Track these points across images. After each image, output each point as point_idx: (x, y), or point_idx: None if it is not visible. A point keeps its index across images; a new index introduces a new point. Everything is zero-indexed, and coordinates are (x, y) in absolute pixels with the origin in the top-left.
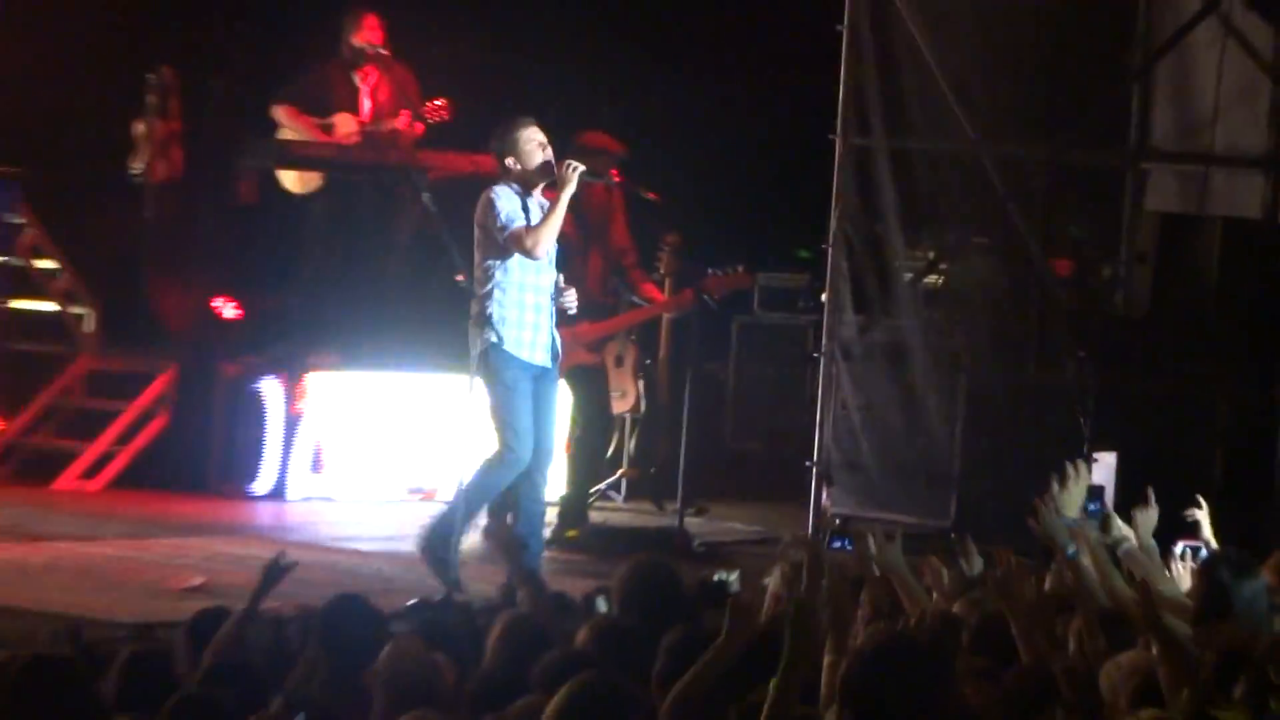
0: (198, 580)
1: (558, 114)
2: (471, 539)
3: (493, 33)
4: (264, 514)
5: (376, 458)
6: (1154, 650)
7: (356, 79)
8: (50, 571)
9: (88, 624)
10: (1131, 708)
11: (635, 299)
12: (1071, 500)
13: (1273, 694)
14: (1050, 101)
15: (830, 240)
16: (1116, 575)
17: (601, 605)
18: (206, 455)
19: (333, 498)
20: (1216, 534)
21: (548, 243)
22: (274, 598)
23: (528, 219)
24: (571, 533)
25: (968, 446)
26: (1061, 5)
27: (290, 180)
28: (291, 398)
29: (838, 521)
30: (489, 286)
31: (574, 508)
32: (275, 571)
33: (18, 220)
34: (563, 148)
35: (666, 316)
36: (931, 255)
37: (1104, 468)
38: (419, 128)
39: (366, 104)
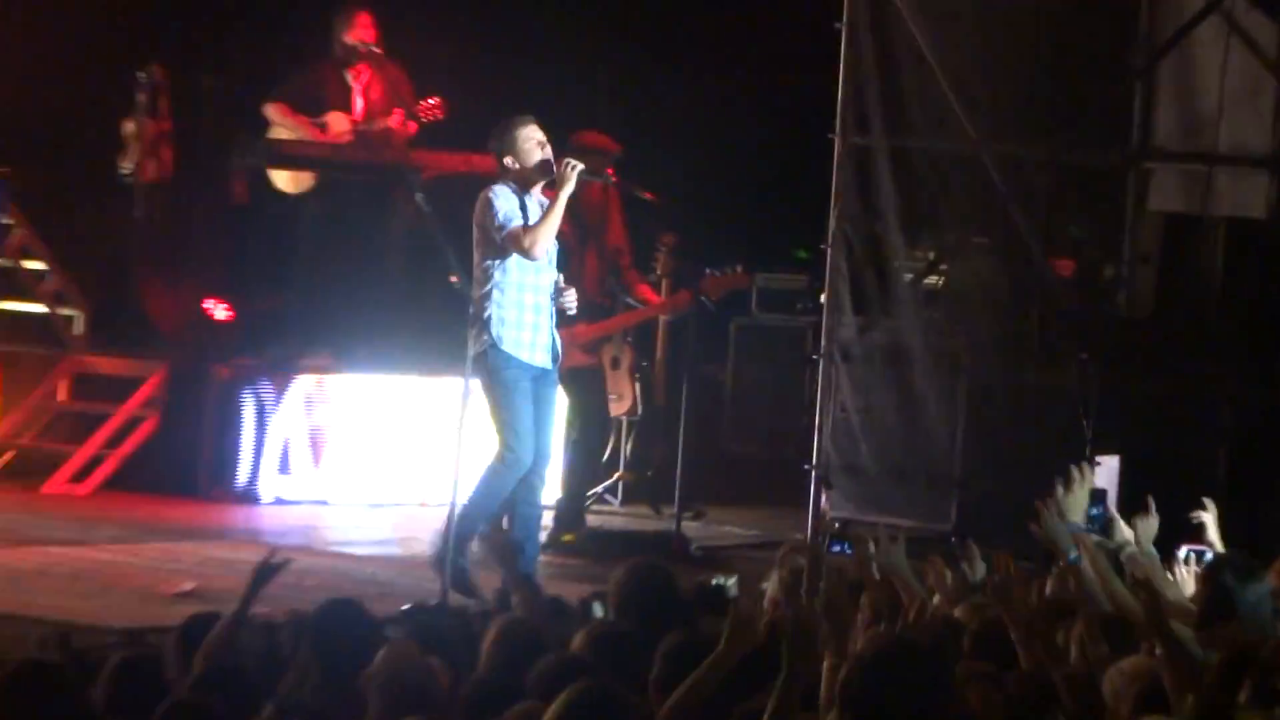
0: (189, 585)
1: (553, 113)
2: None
3: (488, 31)
4: (256, 518)
5: (371, 461)
6: (1158, 653)
7: (349, 77)
8: (40, 576)
9: (77, 629)
10: (1134, 714)
11: (630, 300)
12: (1075, 504)
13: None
14: (1052, 100)
15: (829, 240)
16: (1117, 580)
17: (598, 610)
18: (198, 458)
19: (327, 501)
20: (1223, 536)
21: (545, 242)
22: (266, 603)
23: (526, 218)
24: (568, 537)
25: (968, 449)
26: (1063, 3)
27: (282, 180)
28: (284, 401)
29: (837, 525)
30: (488, 287)
31: (570, 511)
32: (267, 571)
33: (6, 220)
34: (558, 147)
35: (663, 318)
36: (932, 255)
37: (1107, 470)
38: (412, 127)
39: (359, 103)
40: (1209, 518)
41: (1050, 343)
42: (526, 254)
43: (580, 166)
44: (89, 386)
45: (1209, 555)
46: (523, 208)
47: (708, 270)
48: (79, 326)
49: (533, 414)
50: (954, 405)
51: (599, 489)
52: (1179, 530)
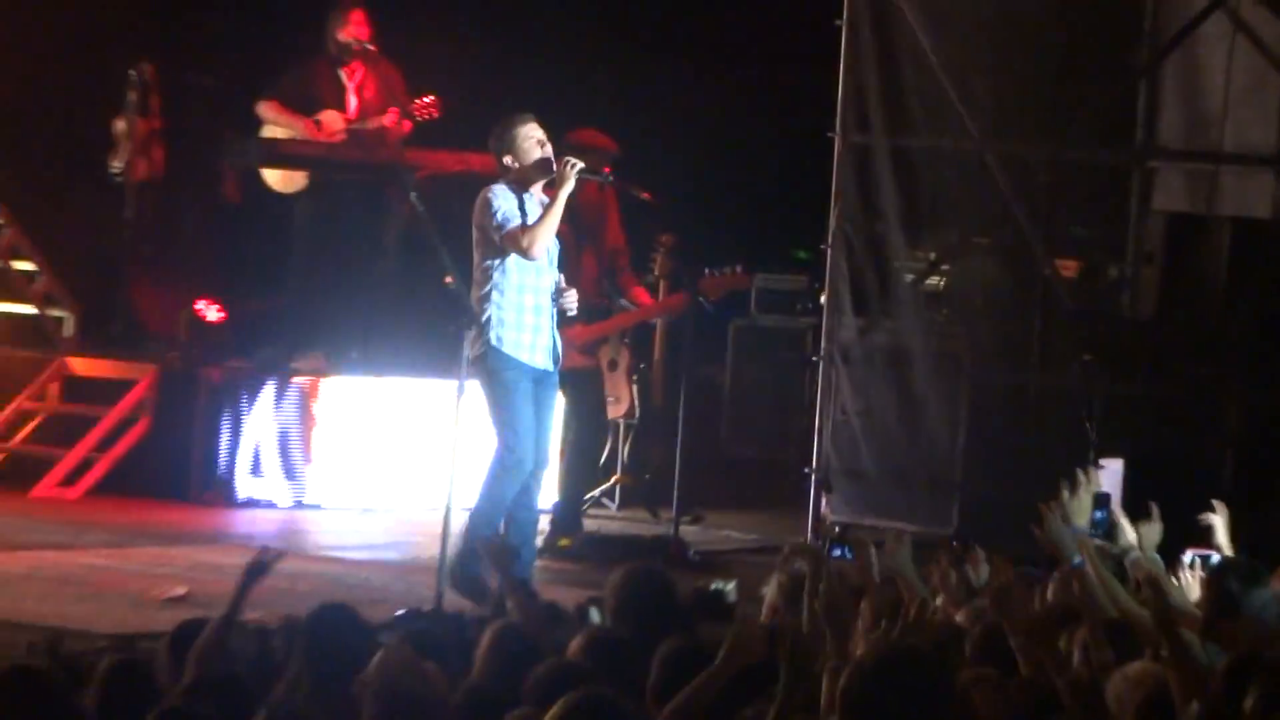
0: (180, 590)
1: (550, 111)
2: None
3: (483, 28)
4: (248, 522)
5: (365, 465)
6: (1164, 653)
7: (343, 75)
8: (28, 581)
9: (67, 635)
10: None
11: (623, 303)
12: (1081, 508)
13: None
14: (1055, 98)
15: (829, 241)
16: (1118, 586)
17: (595, 616)
18: (189, 462)
19: (320, 505)
20: (1233, 540)
21: (544, 242)
22: (259, 608)
23: (524, 218)
24: (564, 541)
25: (970, 452)
26: (1066, 0)
27: (275, 179)
28: (276, 403)
29: (837, 529)
30: (487, 288)
31: (567, 515)
32: (257, 569)
33: None
34: (555, 145)
35: (661, 319)
36: (933, 256)
37: (1110, 474)
38: (407, 125)
39: (353, 101)
40: (1219, 521)
41: (1053, 344)
42: (525, 254)
43: (580, 165)
44: (79, 389)
45: (1214, 560)
46: (522, 207)
47: (706, 270)
48: (69, 328)
49: (532, 416)
50: (955, 407)
51: (596, 493)
52: (1184, 534)
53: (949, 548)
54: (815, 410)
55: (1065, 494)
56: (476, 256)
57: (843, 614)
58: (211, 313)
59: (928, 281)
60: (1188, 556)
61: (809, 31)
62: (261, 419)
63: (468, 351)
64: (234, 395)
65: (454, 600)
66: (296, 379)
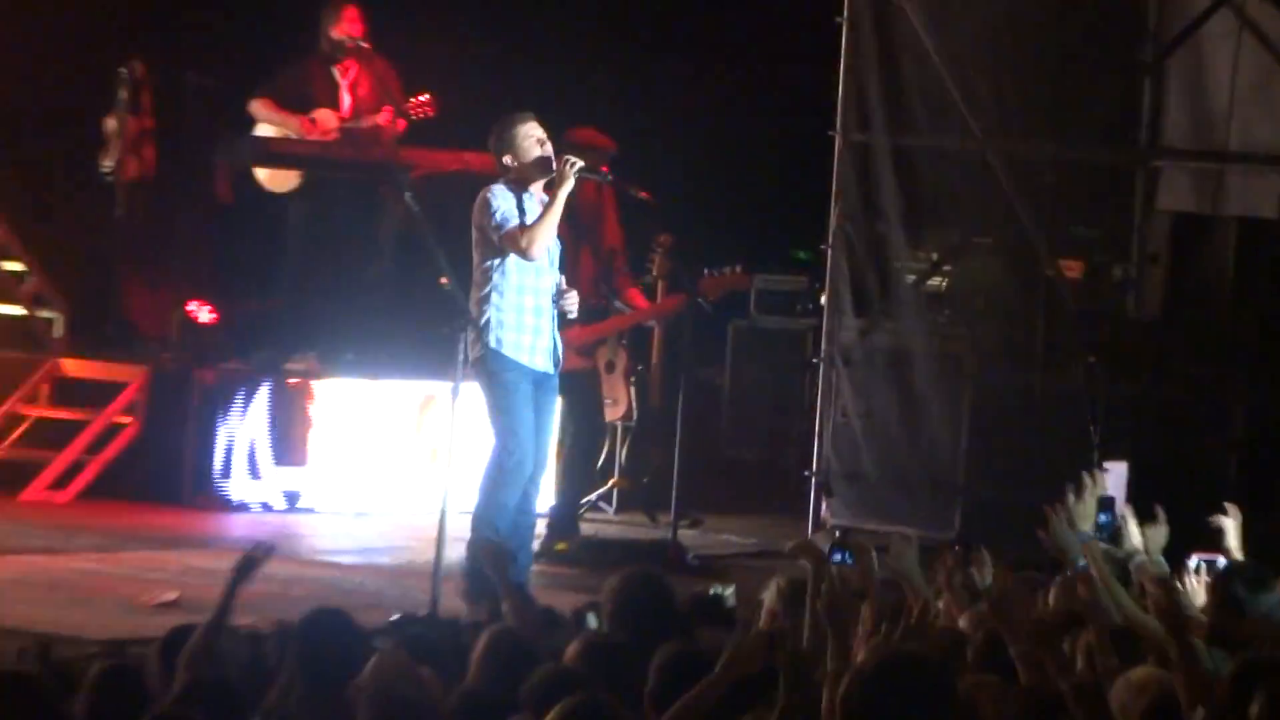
0: (171, 595)
1: (547, 109)
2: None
3: (479, 25)
4: (240, 526)
5: (358, 468)
6: (1172, 656)
7: (336, 73)
8: (17, 586)
9: (56, 640)
10: None
11: (618, 304)
12: (1086, 511)
13: None
14: (1058, 96)
15: (830, 241)
16: (1121, 591)
17: (592, 621)
18: (181, 465)
19: (313, 509)
20: (1243, 544)
21: (543, 242)
22: (251, 613)
23: (523, 218)
24: (561, 545)
25: (973, 455)
26: None
27: (268, 178)
28: (269, 405)
29: (837, 534)
30: (487, 289)
31: (564, 519)
32: (248, 565)
33: None
34: (552, 144)
35: (659, 320)
36: (935, 256)
37: (1115, 477)
38: (401, 124)
39: (347, 99)
40: (1230, 524)
41: (1056, 345)
42: (524, 254)
43: (580, 164)
44: (69, 391)
45: (1220, 564)
46: (521, 207)
47: (705, 271)
48: (59, 329)
49: (532, 419)
50: (958, 410)
51: (593, 496)
52: (1189, 538)
53: (954, 549)
54: (815, 412)
55: (1070, 497)
56: (476, 257)
57: (844, 614)
58: (204, 314)
59: (929, 282)
60: (1193, 561)
61: (809, 29)
62: (255, 422)
63: (468, 353)
64: (227, 398)
65: (449, 604)
66: (290, 381)
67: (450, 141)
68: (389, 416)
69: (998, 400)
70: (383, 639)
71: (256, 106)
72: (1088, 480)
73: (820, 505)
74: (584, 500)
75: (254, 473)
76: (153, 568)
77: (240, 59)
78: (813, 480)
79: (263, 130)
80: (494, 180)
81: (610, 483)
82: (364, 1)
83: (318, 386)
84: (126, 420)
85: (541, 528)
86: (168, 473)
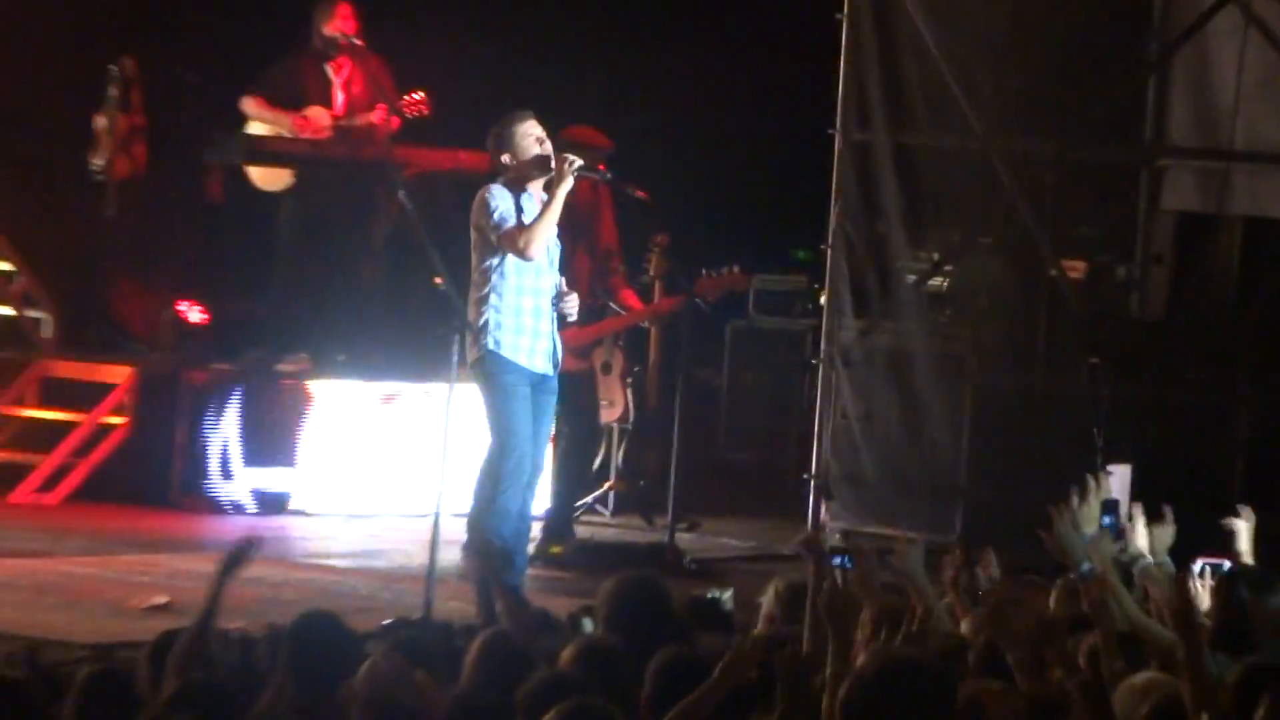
0: (161, 599)
1: (543, 107)
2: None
3: (474, 22)
4: (231, 529)
5: (351, 470)
6: (1180, 655)
7: (329, 70)
8: (5, 589)
9: (44, 644)
10: None
11: (613, 305)
12: (1090, 515)
13: None
14: (1061, 94)
15: (829, 240)
16: (1126, 596)
17: (587, 625)
18: (170, 467)
19: (305, 511)
20: (1256, 549)
21: (541, 242)
22: (242, 617)
23: (522, 217)
24: (556, 548)
25: (974, 457)
26: None
27: (259, 177)
28: (260, 407)
29: (837, 536)
30: (485, 290)
31: (559, 522)
32: (235, 561)
33: None
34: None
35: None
36: (936, 256)
37: (1118, 480)
38: (395, 122)
39: (340, 97)
40: (1244, 526)
41: (1059, 347)
42: (522, 254)
43: (579, 162)
44: (57, 392)
45: (1225, 568)
46: (519, 207)
47: (703, 271)
48: (47, 329)
49: (530, 421)
50: (959, 411)
51: (589, 499)
52: (1194, 542)
53: (959, 549)
54: (815, 414)
55: (1074, 500)
56: (474, 258)
57: (846, 614)
58: (194, 314)
59: (930, 282)
60: (1198, 565)
61: (808, 25)
62: (245, 423)
63: (465, 355)
64: (217, 399)
65: (443, 608)
66: (282, 382)
67: (445, 140)
68: (382, 418)
69: (999, 402)
70: (376, 643)
71: (248, 104)
72: (1091, 483)
73: (820, 508)
74: (580, 503)
75: (245, 475)
76: (142, 571)
77: (232, 56)
78: (812, 483)
79: (254, 128)
80: (489, 179)
81: (607, 485)
82: None
83: (310, 388)
84: (116, 422)
85: (536, 531)
86: (157, 475)
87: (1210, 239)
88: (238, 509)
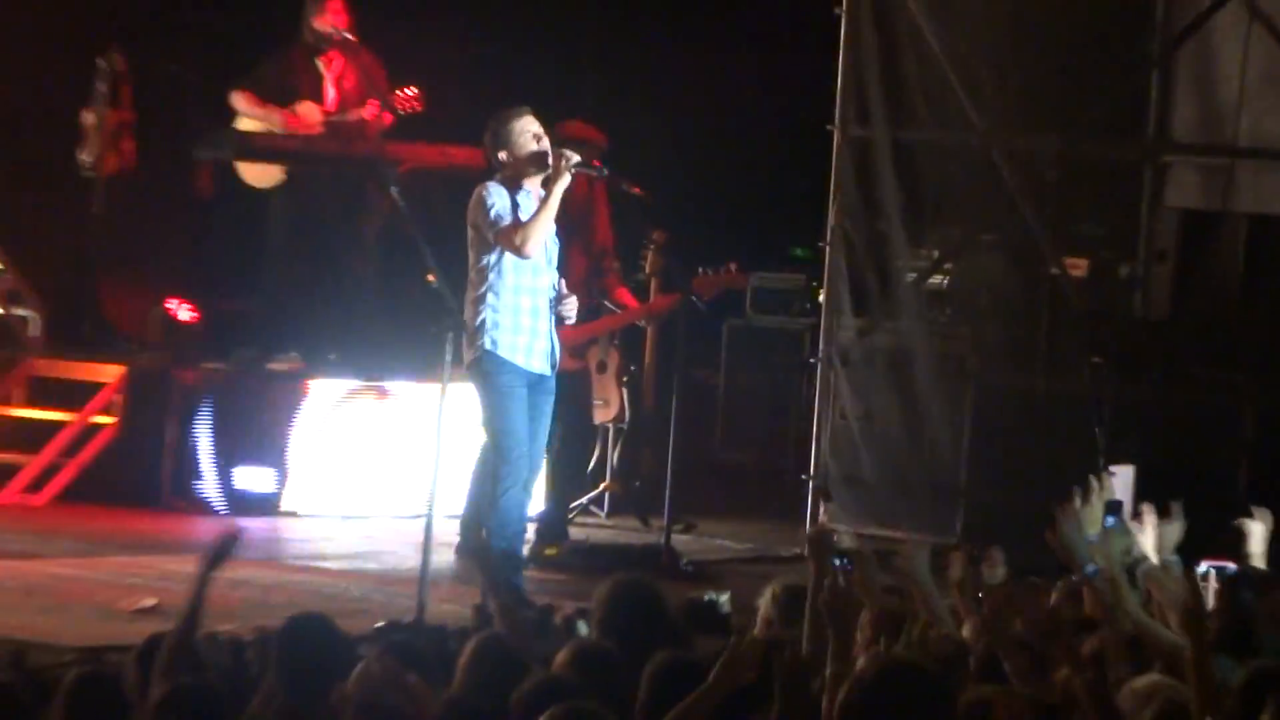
0: (150, 601)
1: (537, 102)
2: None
3: (468, 17)
4: (219, 529)
5: (344, 470)
6: (1187, 655)
7: (320, 65)
8: None
9: (32, 647)
10: None
11: (608, 304)
12: (1094, 516)
13: None
14: (1063, 89)
15: (828, 238)
16: (1131, 598)
17: (582, 628)
18: (159, 467)
19: (296, 512)
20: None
21: (538, 239)
22: (232, 619)
23: (518, 215)
24: (550, 550)
25: (975, 458)
26: None
27: (250, 173)
28: (251, 407)
29: (850, 538)
30: (483, 289)
31: (553, 524)
32: (218, 555)
33: None
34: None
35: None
36: (936, 254)
37: (1121, 481)
38: (387, 118)
39: (331, 92)
40: (1258, 529)
41: (1061, 346)
42: (519, 252)
43: (576, 158)
44: (45, 391)
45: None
46: (515, 205)
47: (700, 269)
48: (35, 328)
49: (527, 422)
50: (959, 412)
51: (584, 500)
52: (1198, 544)
53: (966, 548)
54: (813, 414)
55: (1076, 501)
56: (472, 257)
57: (847, 613)
58: (184, 312)
59: (930, 281)
60: (1202, 568)
61: (807, 19)
62: (236, 423)
63: (464, 355)
64: (207, 398)
65: (436, 610)
66: (272, 381)
67: (438, 136)
68: (375, 418)
69: (1000, 402)
70: (368, 646)
71: (237, 99)
72: (1094, 484)
73: (818, 510)
74: (574, 504)
75: (235, 476)
76: (131, 572)
77: (221, 51)
78: (810, 484)
79: (244, 124)
80: (483, 176)
81: (602, 486)
82: None
83: (301, 386)
84: (104, 421)
85: (530, 532)
86: (147, 475)
87: (1214, 236)
88: (228, 510)
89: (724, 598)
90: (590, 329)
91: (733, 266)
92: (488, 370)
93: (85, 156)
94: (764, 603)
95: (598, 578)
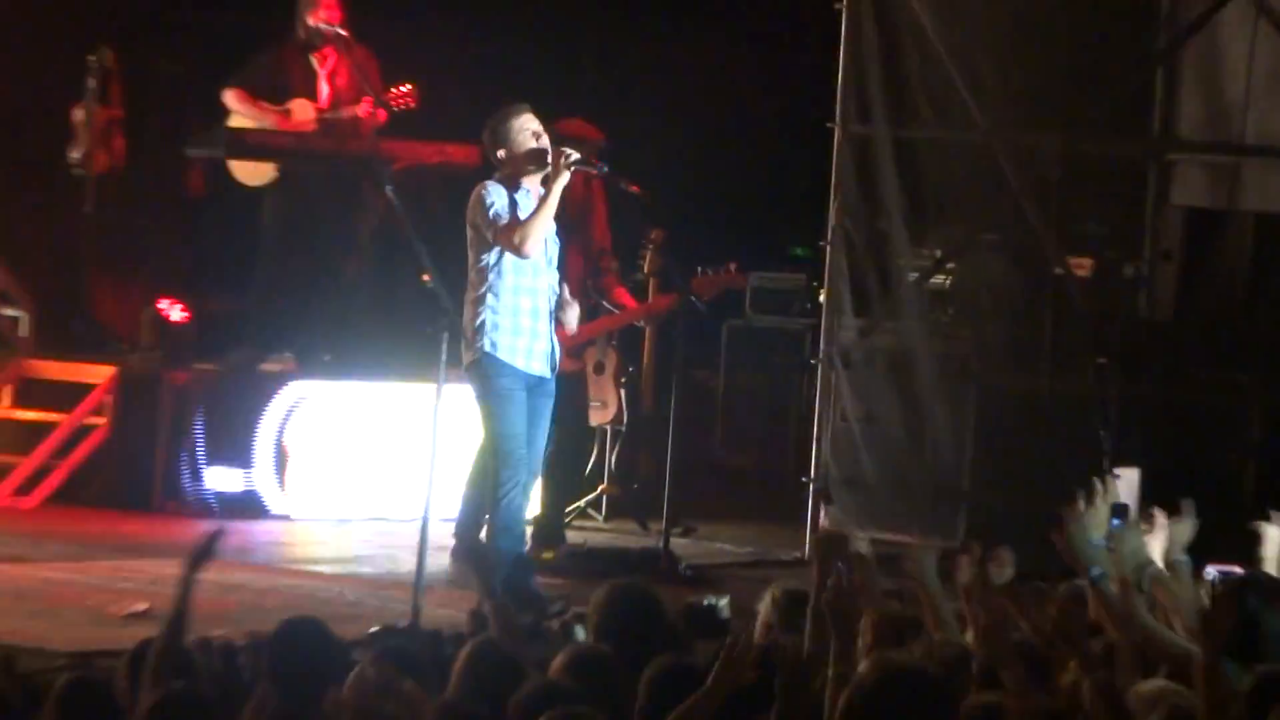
0: (141, 605)
1: (534, 100)
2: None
3: (464, 13)
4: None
5: (338, 473)
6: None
7: (314, 62)
8: None
9: (22, 652)
10: None
11: (606, 304)
12: (1099, 519)
13: None
14: (1067, 87)
15: (828, 237)
16: (1139, 603)
17: (579, 633)
18: (151, 470)
19: (290, 516)
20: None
21: (537, 238)
22: (225, 624)
23: (517, 214)
24: (547, 554)
25: (978, 460)
26: None
27: (242, 171)
28: (243, 408)
29: (866, 543)
30: (482, 289)
31: (550, 527)
32: (202, 553)
33: None
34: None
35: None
36: (938, 253)
37: (1126, 484)
38: (382, 115)
39: (325, 89)
40: (1275, 532)
41: (1065, 347)
42: (518, 252)
43: (576, 157)
44: (35, 392)
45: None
46: (514, 204)
47: (699, 269)
48: (24, 328)
49: (525, 425)
50: (962, 413)
51: (581, 503)
52: (1205, 548)
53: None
54: (813, 416)
55: (1081, 504)
56: (471, 256)
57: (850, 613)
58: (175, 312)
59: (932, 280)
60: (1209, 573)
61: (807, 15)
62: (228, 425)
63: (463, 357)
64: (199, 400)
65: (431, 615)
66: (265, 382)
67: (433, 133)
68: (369, 420)
69: (1004, 403)
70: (362, 651)
71: (230, 96)
72: (1099, 486)
73: (819, 513)
74: (570, 507)
75: (227, 478)
76: (122, 576)
77: (213, 47)
78: (811, 486)
79: (236, 122)
80: (478, 174)
81: (599, 489)
82: None
83: (294, 387)
84: (95, 423)
85: (527, 536)
86: (138, 477)
87: (1220, 235)
88: (220, 513)
89: (723, 602)
90: (589, 330)
91: (732, 266)
92: (487, 373)
93: (74, 154)
94: (764, 607)
95: (595, 582)
